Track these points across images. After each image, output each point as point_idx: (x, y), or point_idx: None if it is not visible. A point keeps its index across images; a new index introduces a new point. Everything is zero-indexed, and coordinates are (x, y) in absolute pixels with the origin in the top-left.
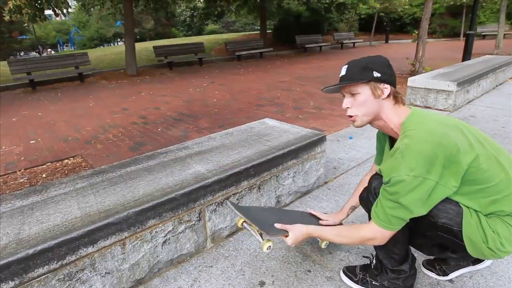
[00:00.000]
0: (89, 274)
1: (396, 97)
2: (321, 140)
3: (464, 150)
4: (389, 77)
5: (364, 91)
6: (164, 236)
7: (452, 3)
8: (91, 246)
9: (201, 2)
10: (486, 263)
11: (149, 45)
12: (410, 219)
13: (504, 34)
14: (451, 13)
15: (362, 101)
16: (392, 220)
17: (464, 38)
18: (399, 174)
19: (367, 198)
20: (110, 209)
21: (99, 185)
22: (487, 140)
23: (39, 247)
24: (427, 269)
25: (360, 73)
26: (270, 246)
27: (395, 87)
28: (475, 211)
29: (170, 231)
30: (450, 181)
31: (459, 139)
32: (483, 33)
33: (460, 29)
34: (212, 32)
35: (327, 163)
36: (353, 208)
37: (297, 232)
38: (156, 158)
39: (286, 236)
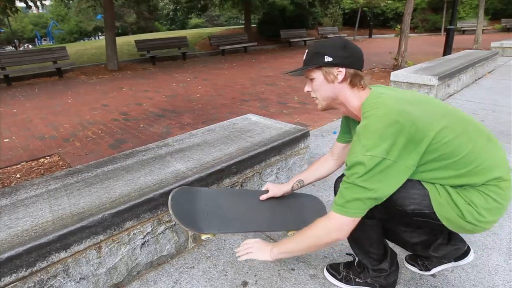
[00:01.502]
0: (62, 280)
1: (353, 81)
2: (304, 135)
3: (423, 127)
4: (343, 60)
5: (317, 76)
6: (143, 238)
7: None
8: (64, 251)
9: None
10: (469, 259)
11: (131, 39)
12: (381, 212)
13: (483, 29)
14: (432, 8)
15: (317, 85)
16: (350, 204)
17: (445, 33)
18: (356, 155)
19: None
20: (84, 212)
21: (74, 186)
22: (454, 112)
23: (6, 255)
24: (410, 264)
25: (312, 59)
26: (208, 236)
27: (358, 68)
28: (443, 187)
29: (149, 232)
30: (408, 160)
31: (419, 114)
32: (463, 28)
33: (441, 24)
34: (196, 26)
35: (311, 158)
36: (301, 182)
37: (260, 254)
38: (135, 157)
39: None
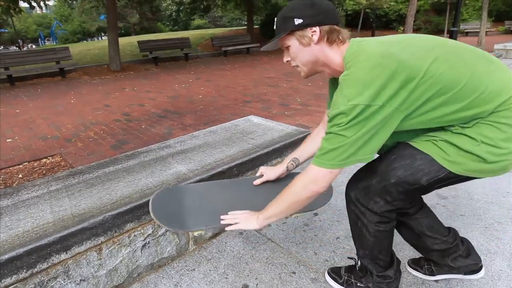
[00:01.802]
0: (62, 282)
1: (330, 37)
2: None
3: (412, 63)
4: (314, 18)
5: (292, 43)
6: (144, 240)
7: (436, 0)
8: (64, 252)
9: None
10: (479, 275)
11: (134, 39)
12: (403, 201)
13: (486, 31)
14: (435, 10)
15: (294, 52)
16: (327, 155)
17: (448, 35)
18: (338, 106)
19: (349, 208)
20: (85, 213)
21: (75, 187)
22: (445, 42)
23: (6, 256)
24: (413, 268)
25: (282, 25)
26: (200, 232)
27: (332, 22)
28: (445, 142)
29: (150, 234)
30: (397, 100)
31: (405, 52)
32: (466, 30)
33: (444, 26)
34: (199, 27)
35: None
36: (295, 161)
37: (248, 224)
38: (136, 158)
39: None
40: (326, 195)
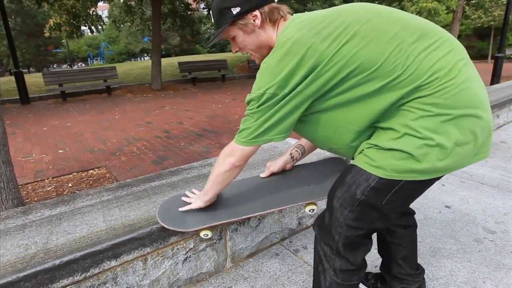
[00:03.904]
0: (110, 287)
1: (272, 18)
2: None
3: (323, 48)
4: (250, 3)
5: (236, 33)
6: (185, 254)
7: (479, 25)
8: (114, 260)
9: None
10: None
11: (174, 60)
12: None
13: None
14: (478, 35)
15: (241, 42)
16: (241, 133)
17: (493, 61)
18: (251, 93)
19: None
20: (134, 224)
21: (124, 198)
22: (377, 14)
23: (65, 258)
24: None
25: (220, 18)
26: (206, 234)
27: (270, 1)
28: (367, 145)
29: (191, 248)
30: (303, 86)
31: (320, 34)
32: None
33: (487, 51)
34: None
35: None
36: (300, 147)
37: (195, 202)
38: (180, 174)
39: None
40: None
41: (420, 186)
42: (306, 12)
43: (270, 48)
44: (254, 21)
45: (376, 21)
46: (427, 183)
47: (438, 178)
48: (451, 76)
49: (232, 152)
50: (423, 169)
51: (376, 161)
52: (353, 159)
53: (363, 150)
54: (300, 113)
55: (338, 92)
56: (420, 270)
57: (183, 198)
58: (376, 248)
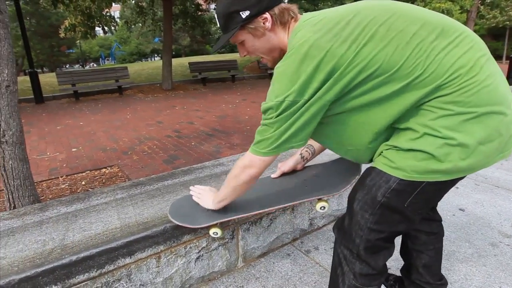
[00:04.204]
0: (124, 284)
1: (283, 19)
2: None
3: (342, 52)
4: (260, 5)
5: (245, 37)
6: (198, 252)
7: (494, 25)
8: (129, 257)
9: None
10: None
11: (184, 61)
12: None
13: None
14: (493, 35)
15: (251, 47)
16: (260, 144)
17: (507, 61)
18: (267, 102)
19: (334, 250)
20: (148, 222)
21: (138, 197)
22: (396, 12)
23: (82, 255)
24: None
25: (229, 22)
26: (216, 232)
27: (279, 2)
28: (391, 145)
29: (204, 247)
30: (322, 92)
31: (339, 36)
32: None
33: (502, 52)
34: None
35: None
36: (310, 148)
37: (205, 202)
38: (192, 173)
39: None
40: (352, 171)
41: (442, 187)
42: (317, 11)
43: (281, 51)
44: (264, 24)
45: (394, 20)
46: (450, 184)
47: (461, 178)
48: (473, 74)
49: (251, 164)
50: (446, 169)
51: (396, 163)
52: (371, 161)
53: (382, 152)
54: (320, 118)
55: (357, 94)
56: (443, 282)
57: (194, 198)
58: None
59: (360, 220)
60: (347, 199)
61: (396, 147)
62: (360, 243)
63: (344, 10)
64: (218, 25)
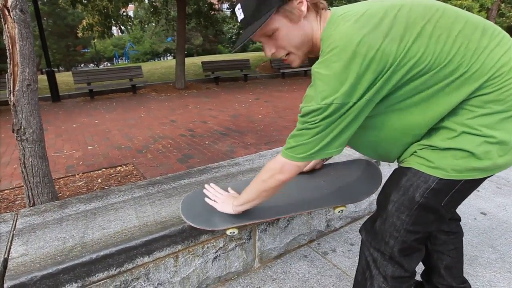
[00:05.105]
0: (143, 283)
1: (316, 5)
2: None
3: (391, 49)
4: None
5: (280, 23)
6: (215, 252)
7: None
8: (147, 256)
9: None
10: None
11: (196, 60)
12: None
13: None
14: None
15: (285, 35)
16: (297, 149)
17: None
18: (311, 104)
19: (361, 253)
20: (166, 221)
21: (155, 196)
22: (438, 11)
23: (102, 253)
24: None
25: (263, 5)
26: (233, 231)
27: None
28: (420, 146)
29: (221, 247)
30: (371, 92)
31: (385, 34)
32: None
33: None
34: (257, 49)
35: (379, 189)
36: None
37: (224, 207)
38: (208, 173)
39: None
40: (374, 182)
41: (476, 184)
42: (346, 5)
43: (312, 44)
44: (299, 8)
45: (439, 17)
46: (481, 181)
47: (490, 176)
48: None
49: (283, 169)
50: (485, 167)
51: (434, 162)
52: (398, 161)
53: (415, 151)
54: (362, 120)
55: (401, 94)
56: (466, 285)
57: (206, 199)
58: None
59: (396, 222)
60: (375, 202)
61: (431, 146)
62: (395, 245)
63: (384, 4)
64: (241, 17)
